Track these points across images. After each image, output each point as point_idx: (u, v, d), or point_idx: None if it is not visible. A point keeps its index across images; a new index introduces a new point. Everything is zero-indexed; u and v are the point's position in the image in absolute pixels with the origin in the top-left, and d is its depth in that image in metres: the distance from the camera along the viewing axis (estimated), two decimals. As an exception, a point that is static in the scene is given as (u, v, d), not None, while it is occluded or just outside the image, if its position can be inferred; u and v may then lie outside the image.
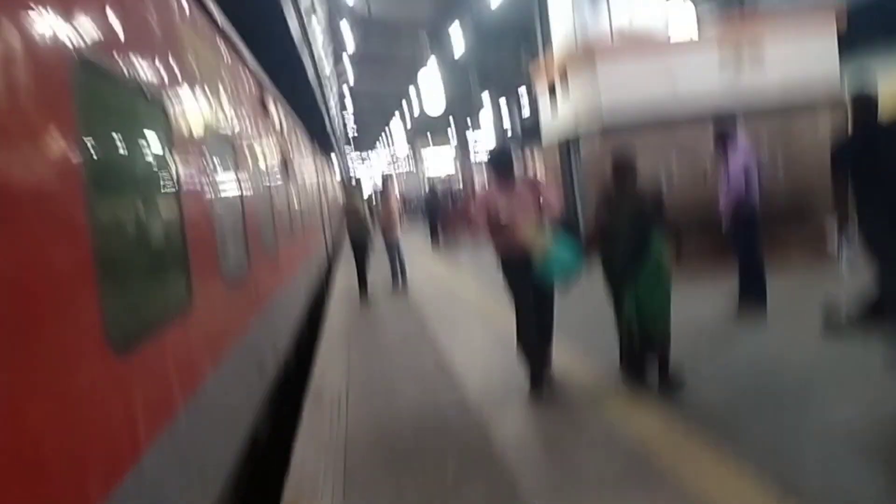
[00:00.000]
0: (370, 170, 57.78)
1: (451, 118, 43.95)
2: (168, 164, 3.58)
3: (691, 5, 14.13)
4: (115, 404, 2.57)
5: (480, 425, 5.13)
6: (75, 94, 2.45)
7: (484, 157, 29.49)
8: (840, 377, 5.24)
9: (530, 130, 26.67)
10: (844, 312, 6.49)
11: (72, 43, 2.47)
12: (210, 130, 4.61)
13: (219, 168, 4.83)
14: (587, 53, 11.17)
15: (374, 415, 5.72)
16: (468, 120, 41.22)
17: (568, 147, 12.92)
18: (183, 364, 3.44)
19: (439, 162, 48.57)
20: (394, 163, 60.19)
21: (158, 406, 3.01)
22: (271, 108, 8.47)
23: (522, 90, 32.69)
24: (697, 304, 7.70)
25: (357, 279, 12.42)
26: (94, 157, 2.61)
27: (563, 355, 6.30)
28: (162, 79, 3.57)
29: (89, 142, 2.54)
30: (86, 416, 2.32)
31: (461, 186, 30.20)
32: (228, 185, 5.23)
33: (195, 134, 4.15)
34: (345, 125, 61.76)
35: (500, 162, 5.85)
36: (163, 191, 3.53)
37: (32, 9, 2.25)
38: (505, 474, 4.25)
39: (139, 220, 3.20)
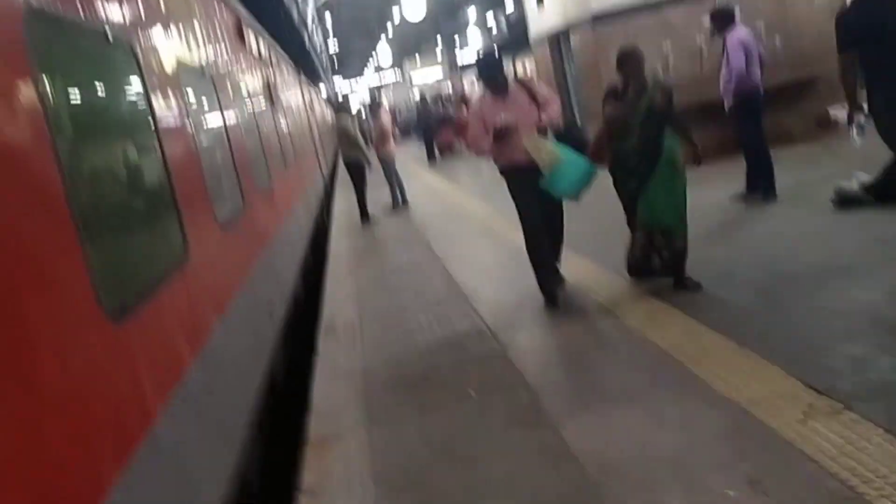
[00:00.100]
0: (358, 94, 56.43)
1: (438, 38, 42.73)
2: (143, 107, 3.37)
3: None
4: (118, 375, 2.45)
5: (498, 345, 5.05)
6: (29, 41, 2.23)
7: (472, 64, 28.70)
8: (859, 255, 5.12)
9: (517, 33, 25.87)
10: (855, 188, 6.31)
11: None
12: (185, 65, 4.36)
13: (200, 105, 4.60)
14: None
15: (389, 343, 5.65)
16: (456, 39, 40.10)
17: (558, 41, 12.51)
18: (186, 321, 3.32)
19: (428, 79, 47.30)
20: (381, 81, 58.85)
21: (165, 369, 2.90)
22: (248, 35, 8.12)
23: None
24: (704, 192, 7.51)
25: (356, 202, 12.25)
26: (60, 107, 2.41)
27: (577, 267, 6.16)
28: (124, 16, 3.32)
29: (51, 92, 2.33)
30: (89, 393, 2.20)
31: (453, 97, 29.52)
32: (212, 122, 5.01)
33: (169, 71, 3.91)
34: (328, 48, 60.06)
35: (490, 66, 5.56)
36: (141, 136, 3.33)
37: None
38: (529, 394, 4.18)
39: (118, 170, 3.02)
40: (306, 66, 29.51)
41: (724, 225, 6.68)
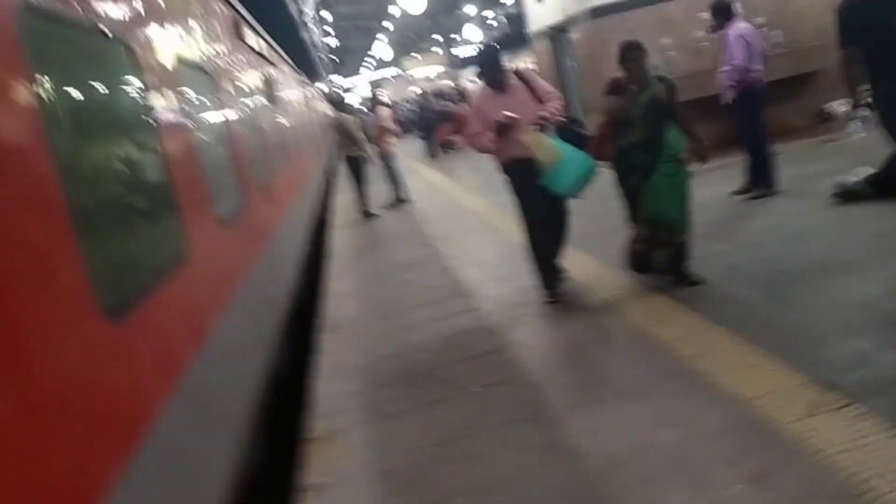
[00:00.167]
0: (357, 91, 56.24)
1: (437, 34, 42.70)
2: (141, 103, 3.35)
3: None
4: (117, 375, 2.43)
5: (500, 341, 5.04)
6: (24, 35, 2.21)
7: (471, 59, 28.58)
8: (861, 249, 5.09)
9: (516, 27, 25.79)
10: (857, 182, 6.29)
11: None
12: (184, 61, 4.33)
13: (199, 101, 4.57)
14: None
15: (391, 340, 5.64)
16: (456, 36, 40.06)
17: (558, 36, 12.49)
18: (186, 319, 3.30)
19: (428, 74, 47.21)
20: (381, 78, 58.67)
21: (165, 368, 2.88)
22: (247, 32, 8.09)
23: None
24: (705, 186, 7.48)
25: (357, 198, 12.23)
26: (56, 103, 2.38)
27: (578, 263, 6.12)
28: (122, 11, 3.30)
29: (47, 87, 2.31)
30: (86, 393, 2.19)
31: (453, 93, 29.45)
32: (211, 118, 4.98)
33: (167, 66, 3.88)
34: (327, 45, 59.84)
35: (490, 60, 5.52)
36: (139, 133, 3.30)
37: None
38: (532, 390, 4.17)
39: (116, 167, 2.99)
40: (305, 63, 29.47)
41: (725, 219, 6.66)
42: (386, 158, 12.60)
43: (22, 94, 2.15)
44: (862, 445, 2.88)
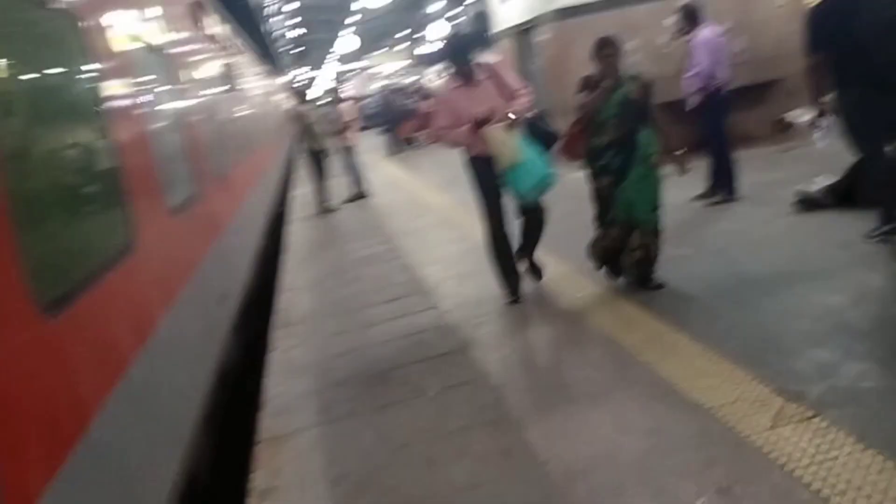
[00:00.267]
0: (320, 83, 55.72)
1: (403, 30, 42.50)
2: (87, 84, 3.15)
3: None
4: (52, 373, 2.25)
5: (460, 342, 4.91)
6: None
7: (440, 51, 28.39)
8: (822, 258, 5.10)
9: (480, 26, 25.72)
10: (817, 191, 6.31)
11: None
12: (137, 40, 4.12)
13: (152, 84, 4.36)
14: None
15: (346, 338, 5.48)
16: (421, 32, 39.96)
17: (522, 36, 12.44)
18: (131, 313, 3.12)
19: (392, 70, 46.99)
20: (345, 71, 58.22)
21: (105, 366, 2.70)
22: (207, 18, 7.85)
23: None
24: (666, 189, 7.44)
25: (317, 191, 12.02)
26: None
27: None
28: None
29: None
30: (19, 393, 2.01)
31: (417, 89, 29.25)
32: (165, 103, 4.77)
33: (118, 44, 3.67)
34: (288, 36, 59.15)
35: (459, 51, 5.37)
36: (83, 116, 3.11)
37: None
38: (493, 393, 4.06)
39: (57, 151, 2.79)
40: (267, 54, 29.05)
41: (687, 224, 6.64)
42: (347, 152, 12.43)
43: None
44: (828, 459, 2.82)
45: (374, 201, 11.99)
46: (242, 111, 10.09)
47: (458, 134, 5.16)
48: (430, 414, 3.97)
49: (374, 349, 5.12)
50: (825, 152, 5.77)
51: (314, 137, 12.05)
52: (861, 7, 4.93)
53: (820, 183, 6.30)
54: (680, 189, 7.38)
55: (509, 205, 5.34)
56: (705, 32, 7.34)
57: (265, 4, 34.74)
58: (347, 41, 54.49)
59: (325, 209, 11.80)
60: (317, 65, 68.47)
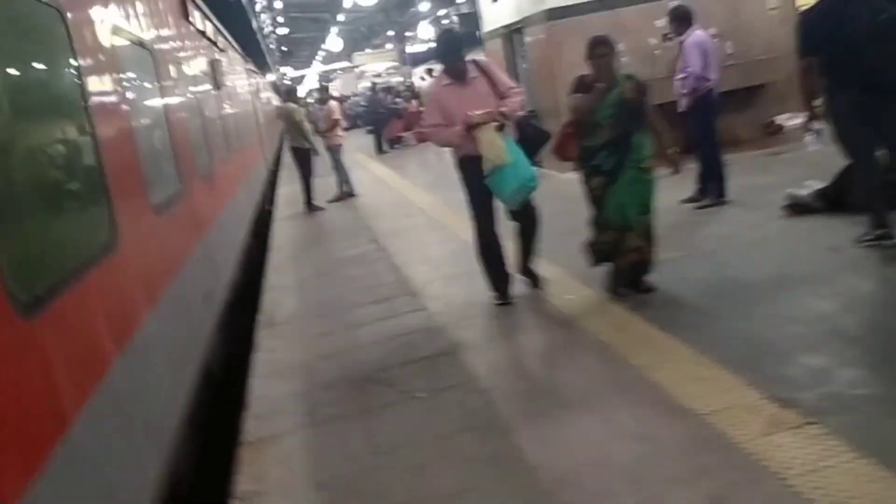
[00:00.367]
0: (307, 83, 55.42)
1: (390, 29, 42.36)
2: (71, 78, 3.07)
3: None
4: (30, 376, 2.17)
5: (448, 344, 4.84)
6: None
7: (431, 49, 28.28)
8: (813, 263, 5.08)
9: (469, 26, 25.67)
10: (807, 195, 6.29)
11: None
12: (123, 35, 4.04)
13: (137, 81, 4.28)
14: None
15: (333, 339, 5.42)
16: (409, 34, 39.85)
17: (511, 36, 12.42)
18: (112, 314, 3.04)
19: (379, 69, 46.77)
20: (331, 71, 57.95)
21: (85, 367, 2.62)
22: (194, 16, 7.75)
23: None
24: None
25: (303, 190, 11.94)
26: None
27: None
28: None
29: None
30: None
31: (404, 89, 29.15)
32: (150, 100, 4.69)
33: (103, 40, 3.59)
34: (276, 36, 58.84)
35: (451, 48, 5.31)
36: (66, 111, 3.02)
37: None
38: (481, 397, 4.00)
39: (37, 148, 2.71)
40: (253, 53, 28.89)
41: (677, 227, 6.60)
42: (333, 151, 12.35)
43: None
44: (821, 468, 2.77)
45: (360, 201, 11.91)
46: (228, 108, 9.99)
47: (449, 133, 5.10)
48: (417, 417, 3.91)
49: (361, 351, 5.05)
50: (816, 156, 5.77)
51: (300, 135, 11.97)
52: (853, 11, 4.91)
53: (810, 187, 6.28)
54: (669, 192, 7.38)
55: (499, 205, 5.28)
56: (697, 34, 7.32)
57: (255, 0, 34.57)
58: (335, 40, 54.30)
59: (311, 208, 11.72)
60: (305, 63, 68.23)
